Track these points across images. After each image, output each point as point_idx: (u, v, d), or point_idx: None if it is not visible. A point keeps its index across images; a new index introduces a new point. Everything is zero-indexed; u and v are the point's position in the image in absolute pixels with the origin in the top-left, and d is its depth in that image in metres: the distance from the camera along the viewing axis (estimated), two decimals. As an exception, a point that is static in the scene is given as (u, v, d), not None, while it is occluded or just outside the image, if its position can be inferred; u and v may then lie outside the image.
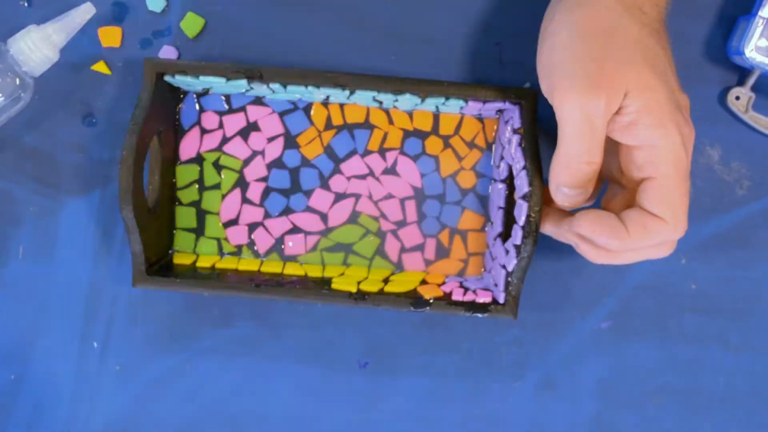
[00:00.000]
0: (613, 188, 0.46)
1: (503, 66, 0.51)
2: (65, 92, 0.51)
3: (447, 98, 0.48)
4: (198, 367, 0.51)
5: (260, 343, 0.51)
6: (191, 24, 0.51)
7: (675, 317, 0.52)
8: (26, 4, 0.51)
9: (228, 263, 0.50)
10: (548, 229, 0.46)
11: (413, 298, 0.47)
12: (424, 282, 0.49)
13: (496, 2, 0.51)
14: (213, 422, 0.51)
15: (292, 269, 0.50)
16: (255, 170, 0.51)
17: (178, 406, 0.51)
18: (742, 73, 0.51)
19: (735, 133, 0.51)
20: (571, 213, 0.45)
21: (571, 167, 0.41)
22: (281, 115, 0.51)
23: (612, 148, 0.44)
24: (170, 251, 0.51)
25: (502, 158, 0.49)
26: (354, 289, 0.47)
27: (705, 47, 0.51)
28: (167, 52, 0.51)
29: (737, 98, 0.51)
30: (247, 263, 0.50)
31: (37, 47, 0.47)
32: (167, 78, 0.48)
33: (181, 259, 0.51)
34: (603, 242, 0.42)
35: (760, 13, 0.49)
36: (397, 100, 0.49)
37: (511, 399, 0.52)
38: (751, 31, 0.49)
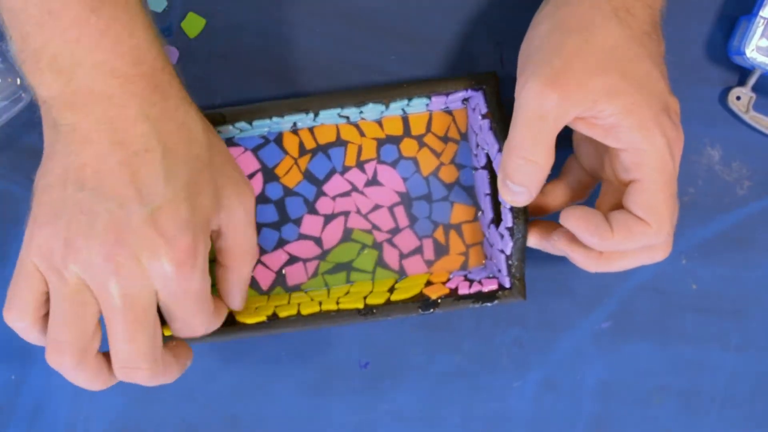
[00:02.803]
0: (605, 186, 0.46)
1: (503, 66, 0.51)
2: (66, 92, 0.51)
3: (410, 99, 0.48)
4: (198, 367, 0.51)
5: (260, 343, 0.51)
6: (192, 24, 0.51)
7: (675, 317, 0.52)
8: (27, 4, 0.51)
9: None
10: (534, 242, 0.46)
11: (420, 301, 0.47)
12: (429, 283, 0.49)
13: (496, 2, 0.51)
14: (213, 422, 0.51)
15: (307, 308, 0.48)
16: None
17: (178, 406, 0.51)
18: (742, 73, 0.51)
19: (736, 133, 0.51)
20: (558, 225, 0.45)
21: (512, 157, 0.41)
22: (254, 150, 0.51)
23: (603, 149, 0.44)
24: None
25: (477, 145, 0.49)
26: (361, 305, 0.47)
27: (706, 47, 0.51)
28: (168, 53, 0.51)
29: (738, 98, 0.51)
30: (253, 301, 0.50)
31: (38, 47, 0.47)
32: None
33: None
34: (587, 240, 0.42)
35: (761, 13, 0.48)
36: (362, 112, 0.49)
37: (511, 399, 0.52)
38: (752, 31, 0.49)
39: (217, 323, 0.44)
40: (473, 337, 0.52)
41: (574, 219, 0.42)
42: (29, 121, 0.51)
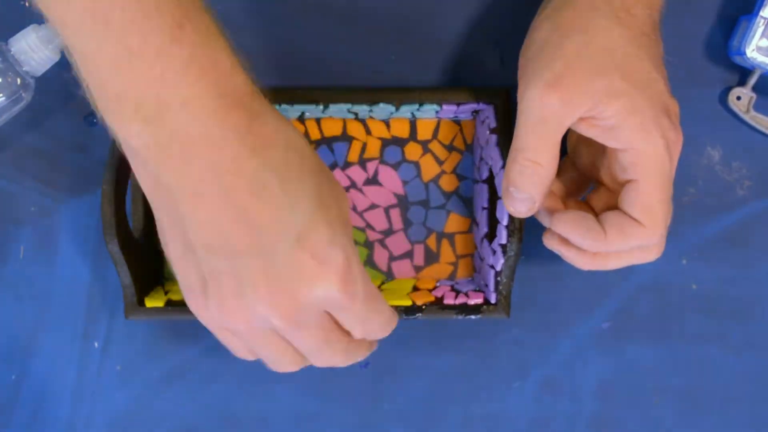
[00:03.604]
0: (599, 189, 0.46)
1: (503, 66, 0.51)
2: (66, 92, 0.51)
3: (421, 104, 0.48)
4: (198, 367, 0.51)
5: (260, 342, 0.52)
6: (192, 24, 0.51)
7: (676, 317, 0.52)
8: (27, 4, 0.51)
9: None
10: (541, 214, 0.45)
11: (405, 306, 0.47)
12: (415, 288, 0.49)
13: (496, 2, 0.51)
14: (213, 422, 0.51)
15: None
16: None
17: (178, 406, 0.51)
18: (743, 73, 0.51)
19: (736, 133, 0.51)
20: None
21: (517, 161, 0.41)
22: None
23: (600, 149, 0.44)
24: (162, 279, 0.51)
25: (481, 159, 0.49)
26: None
27: (706, 47, 0.51)
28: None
29: (738, 98, 0.51)
30: None
31: (39, 47, 0.47)
32: None
33: (172, 286, 0.50)
34: (579, 243, 0.42)
35: (761, 13, 0.48)
36: (372, 110, 0.49)
37: (511, 399, 0.52)
38: (753, 31, 0.49)
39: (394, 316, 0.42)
40: (473, 337, 0.52)
41: (564, 223, 0.42)
42: (29, 121, 0.51)
